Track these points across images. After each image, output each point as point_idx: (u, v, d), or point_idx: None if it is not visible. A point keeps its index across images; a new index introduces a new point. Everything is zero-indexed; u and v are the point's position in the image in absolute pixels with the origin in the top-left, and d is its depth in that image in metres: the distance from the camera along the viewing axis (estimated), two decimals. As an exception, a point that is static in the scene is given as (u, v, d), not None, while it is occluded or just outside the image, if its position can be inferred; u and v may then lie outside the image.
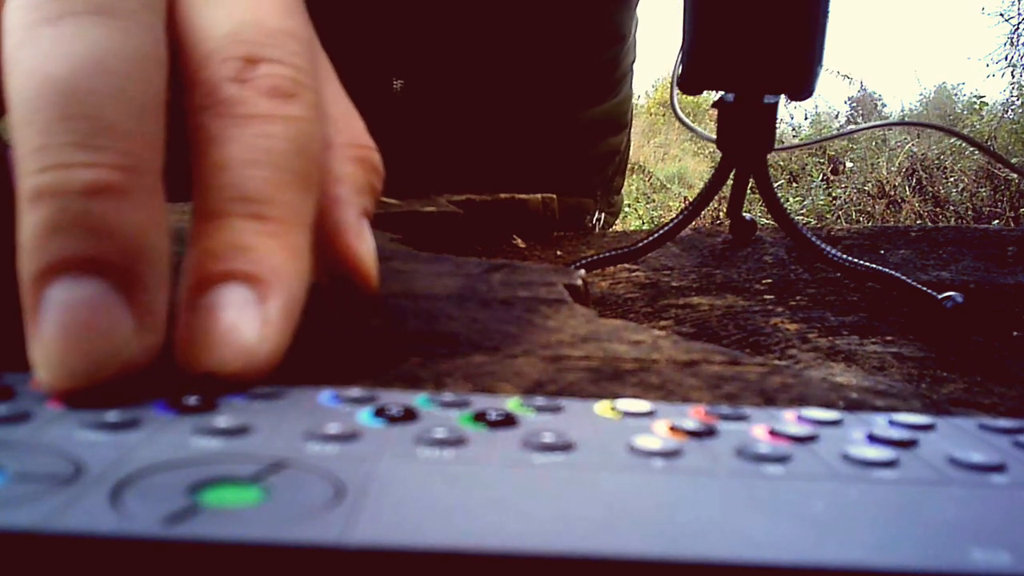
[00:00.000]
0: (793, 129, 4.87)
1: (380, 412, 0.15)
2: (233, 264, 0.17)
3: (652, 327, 0.29)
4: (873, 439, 0.15)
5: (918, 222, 3.44)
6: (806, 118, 5.09)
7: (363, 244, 0.22)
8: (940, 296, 0.40)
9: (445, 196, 0.55)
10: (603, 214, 0.76)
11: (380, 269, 0.22)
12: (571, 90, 0.69)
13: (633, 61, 0.76)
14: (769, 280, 0.47)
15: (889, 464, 0.14)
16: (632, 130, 0.81)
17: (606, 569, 0.11)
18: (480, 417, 0.15)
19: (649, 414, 0.16)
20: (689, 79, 0.44)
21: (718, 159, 0.48)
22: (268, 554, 0.11)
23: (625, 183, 0.84)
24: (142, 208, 0.16)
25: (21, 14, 0.17)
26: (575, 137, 0.71)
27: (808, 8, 0.41)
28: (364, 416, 0.15)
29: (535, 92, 0.66)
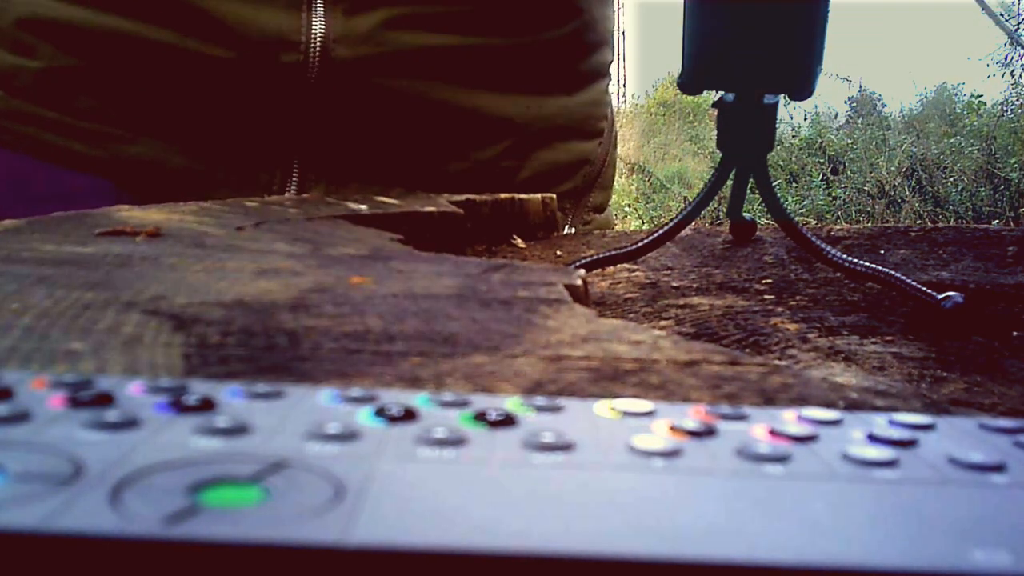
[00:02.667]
0: (793, 129, 4.87)
1: (380, 412, 0.15)
2: None
3: (652, 327, 0.29)
4: (873, 439, 0.15)
5: (918, 222, 3.44)
6: (805, 118, 5.10)
7: None
8: (940, 296, 0.40)
9: (445, 196, 0.55)
10: (574, 229, 0.71)
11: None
12: (517, 68, 0.64)
13: (610, 62, 0.71)
14: (769, 280, 0.47)
15: (889, 464, 0.14)
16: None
17: (606, 569, 0.11)
18: (480, 417, 0.15)
19: (649, 414, 0.16)
20: (689, 79, 0.44)
21: (718, 159, 0.48)
22: (268, 554, 0.11)
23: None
24: None
25: None
26: (528, 129, 0.66)
27: (808, 8, 0.41)
28: (364, 416, 0.15)
29: (478, 63, 0.62)
